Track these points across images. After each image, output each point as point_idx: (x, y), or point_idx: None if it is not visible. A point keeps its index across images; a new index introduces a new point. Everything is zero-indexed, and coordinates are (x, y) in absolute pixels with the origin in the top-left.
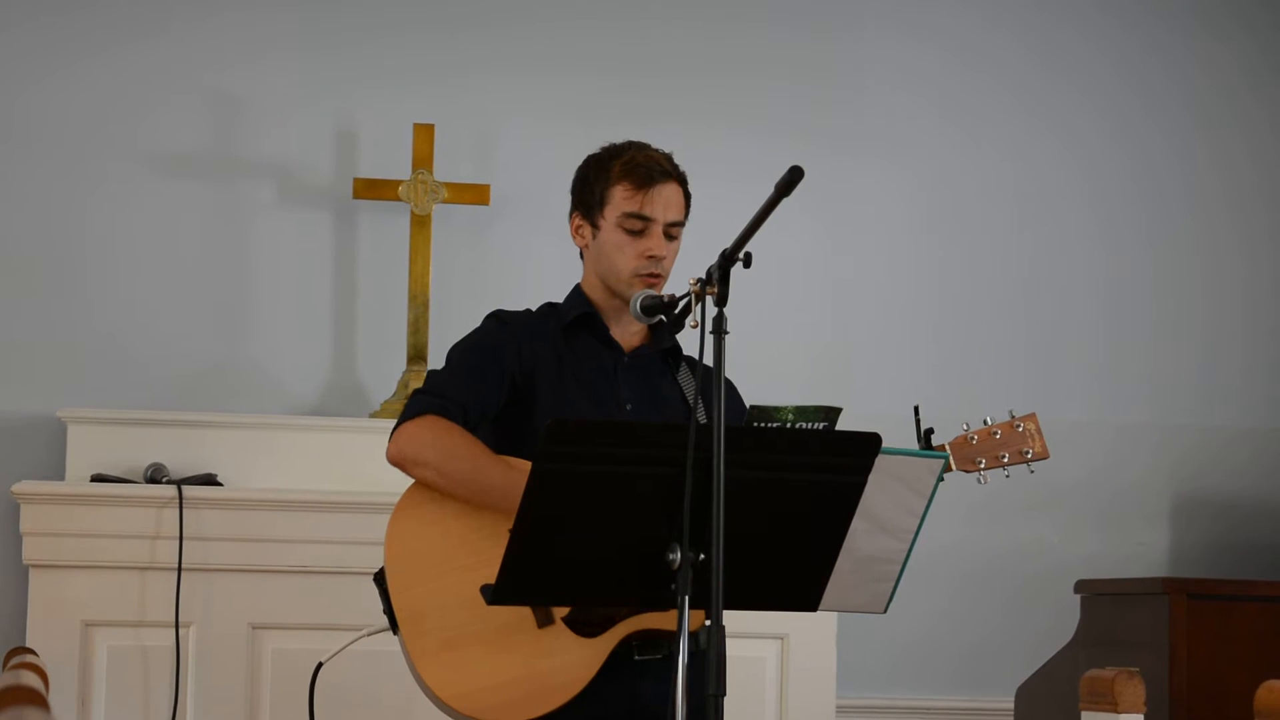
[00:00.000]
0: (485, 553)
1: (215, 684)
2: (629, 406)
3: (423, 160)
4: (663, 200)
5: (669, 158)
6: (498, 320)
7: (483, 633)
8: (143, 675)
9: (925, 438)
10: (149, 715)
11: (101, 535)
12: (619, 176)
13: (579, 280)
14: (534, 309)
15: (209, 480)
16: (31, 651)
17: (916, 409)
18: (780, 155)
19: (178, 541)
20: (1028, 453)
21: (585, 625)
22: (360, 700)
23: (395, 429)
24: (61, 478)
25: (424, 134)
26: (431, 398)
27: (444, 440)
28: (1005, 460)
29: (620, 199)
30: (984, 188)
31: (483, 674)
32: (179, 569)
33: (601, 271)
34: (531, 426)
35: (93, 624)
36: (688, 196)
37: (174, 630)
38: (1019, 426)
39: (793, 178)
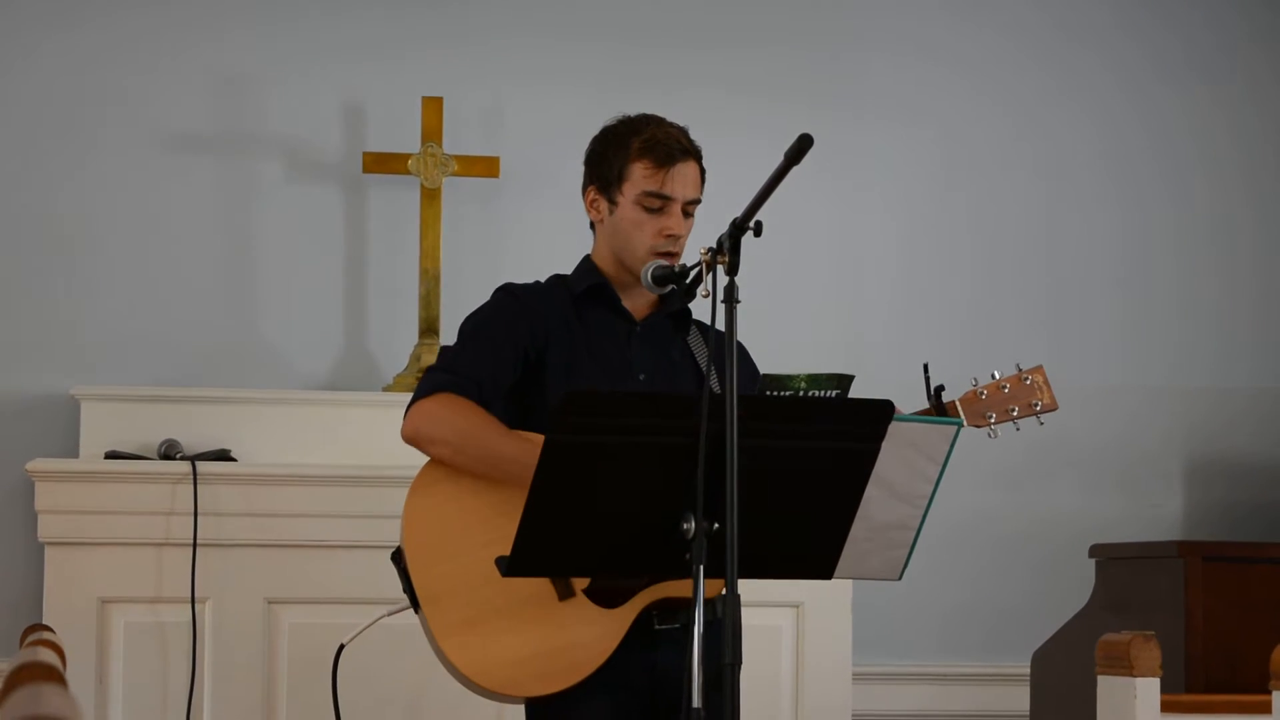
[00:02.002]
0: (503, 529)
1: (232, 659)
2: (642, 376)
3: (432, 133)
4: (682, 179)
5: (686, 133)
6: (508, 293)
7: (505, 608)
8: (160, 651)
9: (935, 395)
10: (167, 691)
11: (116, 512)
12: (639, 154)
13: (588, 251)
14: (542, 281)
15: (223, 456)
16: (48, 629)
17: (925, 367)
18: (791, 119)
19: (193, 517)
20: (1037, 405)
21: (606, 596)
22: (379, 675)
23: (409, 407)
24: (75, 455)
25: (433, 107)
26: (445, 374)
27: (459, 416)
28: (1015, 414)
29: (640, 177)
30: (998, 150)
31: (507, 649)
32: (194, 545)
33: (617, 247)
34: (545, 399)
35: (109, 601)
36: (703, 173)
37: (190, 606)
38: (1026, 379)
39: (802, 146)
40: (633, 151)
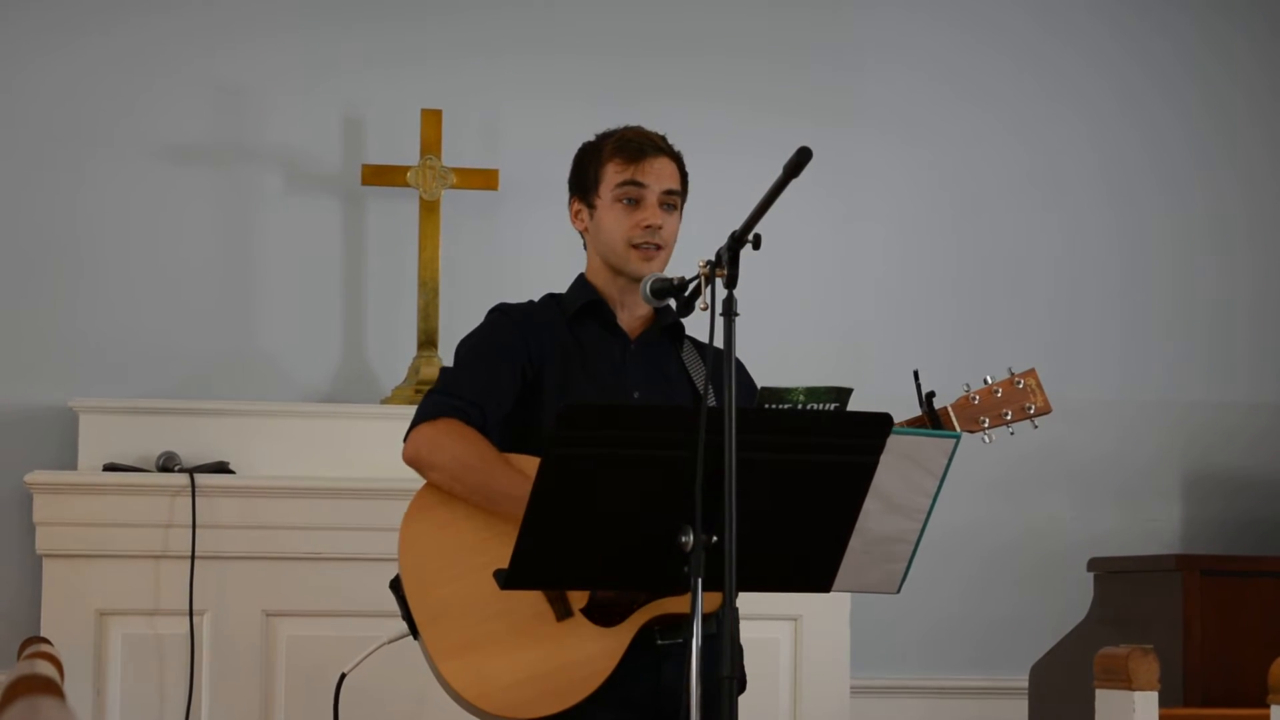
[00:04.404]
0: (500, 551)
1: (230, 672)
2: (637, 394)
3: (431, 145)
4: (655, 170)
5: (662, 137)
6: (503, 313)
7: (503, 630)
8: (157, 664)
9: (927, 401)
10: (164, 703)
11: (114, 524)
12: (611, 154)
13: (583, 269)
14: (535, 300)
15: (221, 468)
16: (46, 641)
17: (916, 374)
18: (788, 132)
19: (191, 530)
20: (1030, 408)
21: (604, 614)
22: (379, 696)
23: (412, 429)
24: (74, 467)
25: (432, 119)
26: (447, 398)
27: (460, 445)
28: (1009, 418)
29: (613, 173)
30: (995, 163)
31: (506, 672)
32: (192, 557)
33: (602, 251)
34: (540, 418)
35: (107, 613)
36: (684, 174)
37: (188, 618)
38: (1019, 383)
39: (801, 159)
40: (605, 154)
